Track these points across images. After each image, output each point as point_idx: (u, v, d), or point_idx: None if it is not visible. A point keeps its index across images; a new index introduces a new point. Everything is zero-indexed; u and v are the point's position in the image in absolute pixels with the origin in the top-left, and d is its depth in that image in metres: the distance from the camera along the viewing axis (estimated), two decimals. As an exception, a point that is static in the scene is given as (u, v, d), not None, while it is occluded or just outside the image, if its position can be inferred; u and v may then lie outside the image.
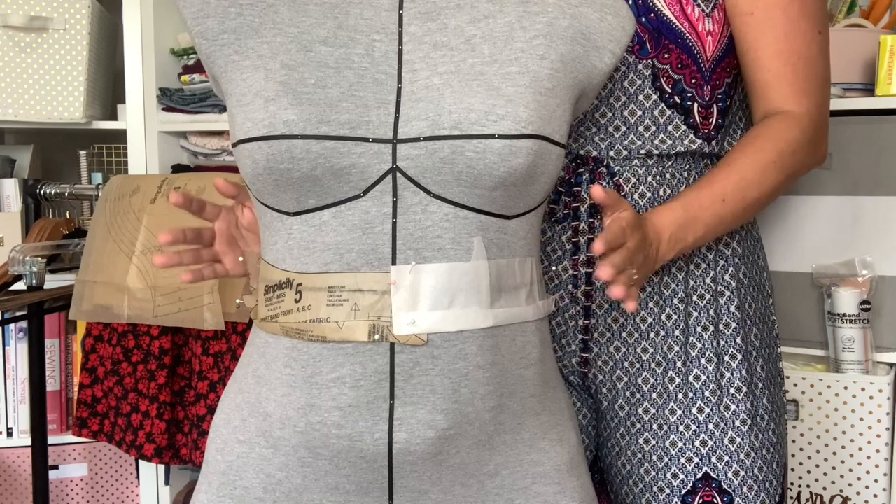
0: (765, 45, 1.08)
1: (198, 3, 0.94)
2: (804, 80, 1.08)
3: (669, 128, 1.11)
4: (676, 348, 1.12)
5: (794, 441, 1.71)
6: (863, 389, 1.65)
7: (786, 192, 1.74)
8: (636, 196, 1.12)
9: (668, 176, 1.12)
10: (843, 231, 1.71)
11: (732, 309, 1.13)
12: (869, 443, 1.65)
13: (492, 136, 0.85)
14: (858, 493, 1.66)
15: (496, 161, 0.86)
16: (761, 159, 1.05)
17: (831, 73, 1.71)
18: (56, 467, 2.18)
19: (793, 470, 1.72)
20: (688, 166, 1.13)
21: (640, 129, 1.11)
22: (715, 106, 1.13)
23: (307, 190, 0.87)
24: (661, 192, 1.12)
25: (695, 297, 1.13)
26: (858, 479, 1.66)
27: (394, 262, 0.87)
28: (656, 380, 1.12)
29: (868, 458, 1.65)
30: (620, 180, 1.12)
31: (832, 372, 1.70)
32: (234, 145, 0.91)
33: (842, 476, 1.68)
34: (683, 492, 1.11)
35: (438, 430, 0.89)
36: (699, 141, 1.12)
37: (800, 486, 1.72)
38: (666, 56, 1.10)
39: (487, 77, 0.89)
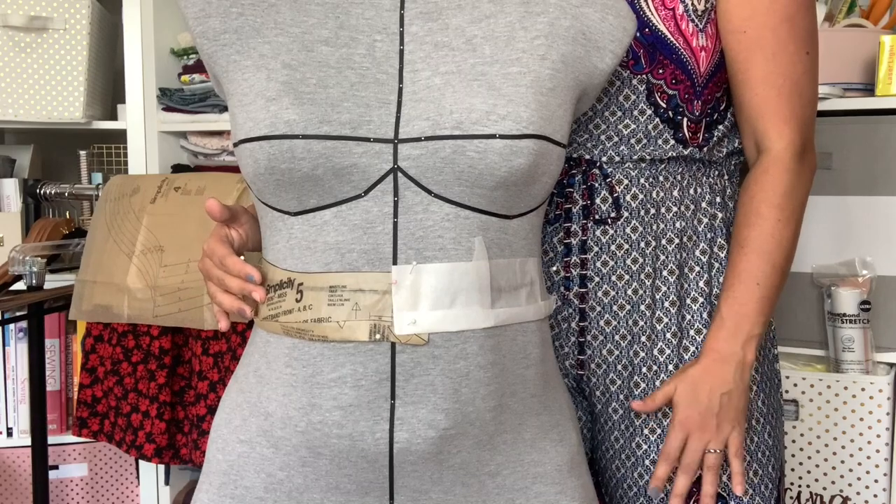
0: (754, 65, 1.09)
1: (200, 4, 0.94)
2: (787, 105, 1.09)
3: (659, 141, 1.12)
4: (668, 351, 1.12)
5: (794, 441, 1.71)
6: (863, 389, 1.65)
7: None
8: (628, 198, 1.12)
9: (661, 178, 1.12)
10: (843, 231, 1.71)
11: None
12: (869, 443, 1.65)
13: (493, 136, 0.85)
14: (858, 493, 1.66)
15: (497, 161, 0.86)
16: (767, 225, 1.08)
17: (831, 73, 1.72)
18: (56, 467, 2.18)
19: (793, 470, 1.72)
20: (681, 169, 1.13)
21: (633, 141, 1.12)
22: (704, 120, 1.13)
23: (308, 190, 0.87)
24: (654, 195, 1.12)
25: (688, 301, 1.13)
26: (858, 479, 1.67)
27: (395, 262, 0.87)
28: (648, 384, 1.12)
29: (868, 458, 1.65)
30: (613, 182, 1.12)
31: (832, 372, 1.70)
32: (235, 145, 0.91)
33: (842, 476, 1.68)
34: None
35: (439, 430, 0.89)
36: (689, 150, 1.13)
37: (800, 486, 1.72)
38: (661, 71, 1.10)
39: (489, 77, 0.89)
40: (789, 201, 1.09)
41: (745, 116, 1.12)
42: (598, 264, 1.12)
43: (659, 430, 1.11)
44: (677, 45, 1.09)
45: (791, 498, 1.72)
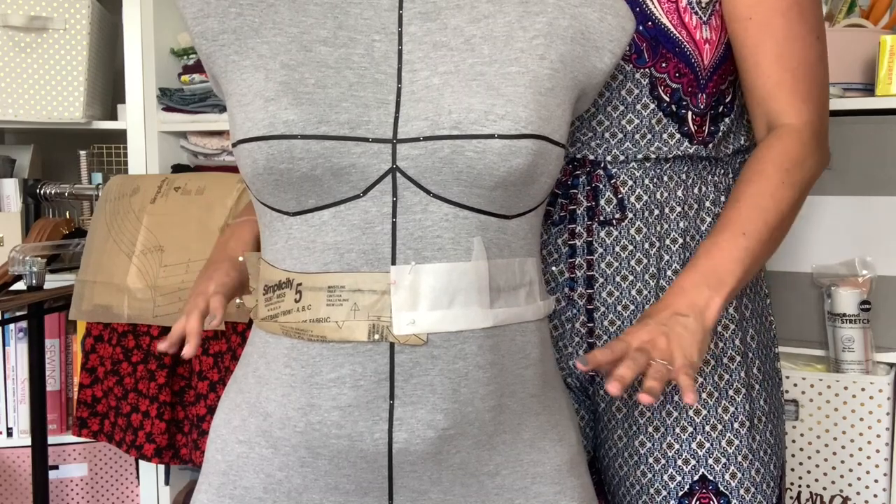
0: (764, 50, 1.07)
1: (198, 4, 0.94)
2: (803, 87, 1.08)
3: (664, 136, 1.11)
4: None
5: (794, 441, 1.71)
6: (863, 389, 1.65)
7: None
8: (633, 199, 1.12)
9: (665, 178, 1.12)
10: (843, 231, 1.71)
11: (730, 311, 1.13)
12: (869, 443, 1.65)
13: (491, 136, 0.85)
14: (858, 493, 1.66)
15: (496, 161, 0.86)
16: (768, 183, 1.04)
17: (831, 73, 1.72)
18: (56, 467, 2.18)
19: (793, 470, 1.72)
20: (686, 168, 1.13)
21: (637, 136, 1.11)
22: (709, 113, 1.13)
23: (307, 190, 0.87)
24: (659, 195, 1.12)
25: None
26: (858, 479, 1.66)
27: (393, 262, 0.87)
28: None
29: (868, 458, 1.65)
30: (617, 183, 1.12)
31: (832, 372, 1.70)
32: (234, 145, 0.91)
33: (842, 476, 1.68)
34: (680, 494, 1.10)
35: (438, 430, 0.89)
36: (695, 146, 1.12)
37: (800, 486, 1.72)
38: (664, 65, 1.10)
39: (487, 77, 0.89)
40: (798, 169, 1.05)
41: (758, 100, 1.10)
42: (603, 265, 1.12)
43: (662, 429, 1.11)
44: (680, 38, 1.09)
45: (791, 498, 1.72)
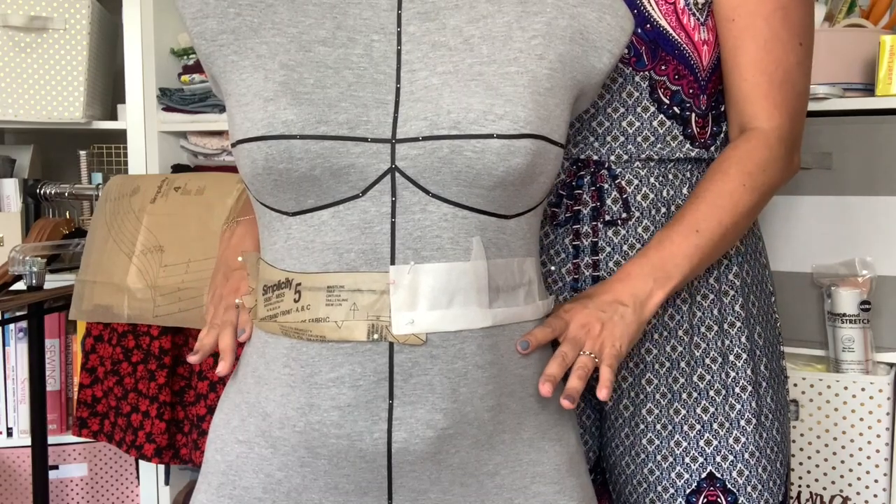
0: (744, 52, 1.08)
1: (197, 4, 0.94)
2: (778, 92, 1.08)
3: (668, 138, 1.11)
4: (680, 348, 1.12)
5: (794, 441, 1.71)
6: (863, 389, 1.65)
7: (785, 192, 1.74)
8: (639, 198, 1.12)
9: (670, 177, 1.12)
10: (843, 231, 1.71)
11: (737, 308, 1.13)
12: (869, 443, 1.65)
13: (490, 136, 0.85)
14: (858, 493, 1.66)
15: (495, 161, 0.86)
16: (729, 184, 1.05)
17: (831, 73, 1.72)
18: (56, 467, 2.18)
19: (793, 470, 1.72)
20: (690, 167, 1.13)
21: (639, 139, 1.11)
22: (710, 114, 1.13)
23: (306, 190, 0.87)
24: (665, 194, 1.12)
25: (698, 297, 1.13)
26: (858, 479, 1.66)
27: (393, 262, 0.87)
28: (660, 380, 1.12)
29: (868, 458, 1.65)
30: (622, 182, 1.12)
31: (832, 372, 1.70)
32: (233, 145, 0.91)
33: (842, 476, 1.68)
34: (688, 491, 1.11)
35: (437, 430, 0.89)
36: (696, 149, 1.12)
37: (800, 486, 1.72)
38: (663, 67, 1.10)
39: (486, 77, 0.89)
40: (761, 173, 1.06)
41: (734, 101, 1.10)
42: (611, 264, 1.12)
43: (670, 427, 1.12)
44: (679, 40, 1.09)
45: (791, 498, 1.72)
